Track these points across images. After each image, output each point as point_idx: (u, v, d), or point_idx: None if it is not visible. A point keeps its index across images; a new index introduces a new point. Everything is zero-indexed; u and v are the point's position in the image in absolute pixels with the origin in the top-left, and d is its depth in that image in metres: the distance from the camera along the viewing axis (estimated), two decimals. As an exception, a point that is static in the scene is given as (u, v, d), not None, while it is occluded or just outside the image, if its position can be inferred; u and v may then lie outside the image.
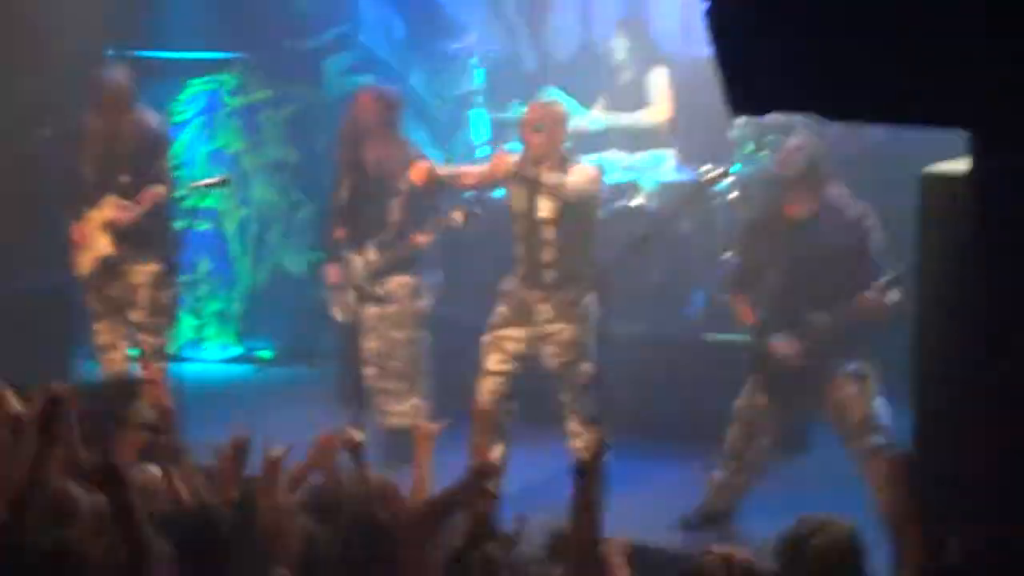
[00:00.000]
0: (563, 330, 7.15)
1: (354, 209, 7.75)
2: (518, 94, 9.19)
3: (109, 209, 7.56)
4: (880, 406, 6.73)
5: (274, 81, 10.01)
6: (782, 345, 6.78)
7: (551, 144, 7.07)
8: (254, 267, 10.10)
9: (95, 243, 7.62)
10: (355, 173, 7.73)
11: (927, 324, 4.27)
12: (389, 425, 7.61)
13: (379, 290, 7.60)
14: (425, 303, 7.78)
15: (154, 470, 5.11)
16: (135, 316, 7.69)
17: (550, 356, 7.18)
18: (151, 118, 7.77)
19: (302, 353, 9.39)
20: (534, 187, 7.05)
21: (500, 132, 9.45)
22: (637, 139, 9.24)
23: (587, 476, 4.49)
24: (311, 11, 9.99)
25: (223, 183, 8.02)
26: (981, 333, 3.68)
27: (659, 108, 9.10)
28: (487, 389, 7.22)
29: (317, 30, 10.04)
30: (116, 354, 7.73)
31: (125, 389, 6.03)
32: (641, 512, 7.24)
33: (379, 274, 7.60)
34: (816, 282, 6.73)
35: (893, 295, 6.55)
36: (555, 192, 6.98)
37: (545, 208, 7.06)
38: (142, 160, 7.62)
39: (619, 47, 9.29)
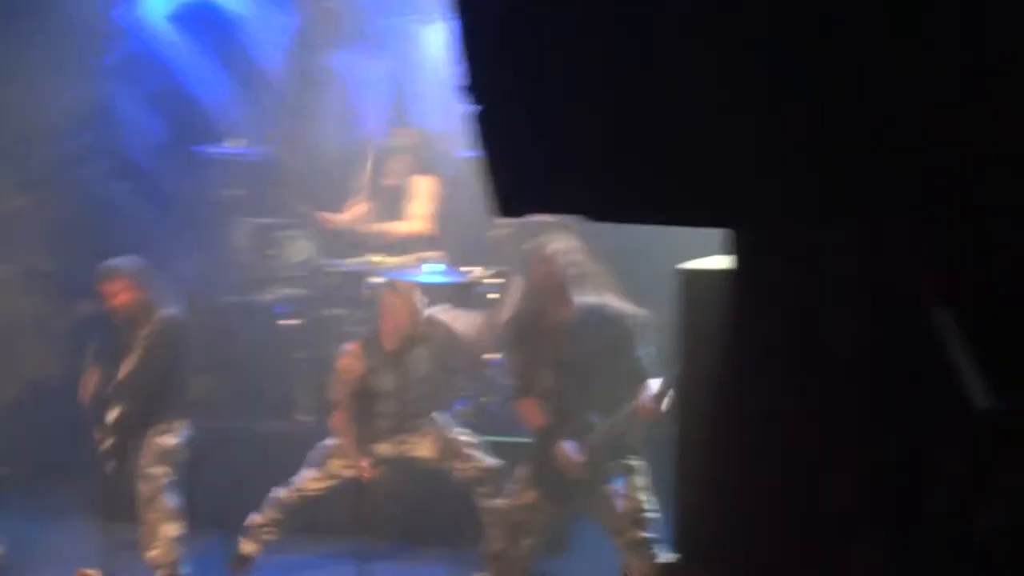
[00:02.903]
0: None
1: None
2: (283, 199, 9.17)
3: None
4: (648, 500, 6.83)
5: (29, 187, 9.74)
6: (569, 452, 6.79)
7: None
8: (3, 380, 9.72)
9: None
10: None
11: (686, 416, 4.36)
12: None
13: None
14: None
15: None
16: None
17: None
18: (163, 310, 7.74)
19: (55, 469, 9.04)
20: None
21: (262, 236, 9.41)
22: (402, 243, 9.33)
23: None
24: (65, 116, 9.79)
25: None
26: (739, 425, 3.79)
27: (416, 221, 9.24)
28: None
29: (71, 136, 9.84)
30: None
31: None
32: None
33: None
34: (586, 384, 6.81)
35: (669, 400, 6.62)
36: None
37: None
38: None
39: (393, 153, 9.38)
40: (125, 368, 7.52)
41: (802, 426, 3.83)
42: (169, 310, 7.63)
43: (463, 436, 7.70)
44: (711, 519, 4.22)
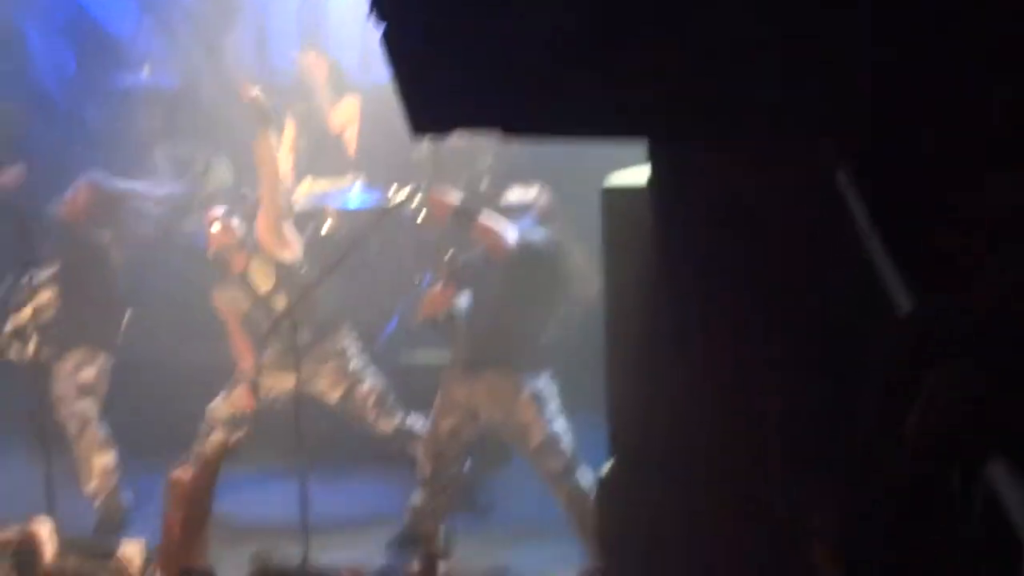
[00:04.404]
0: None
1: None
2: (199, 127, 9.09)
3: None
4: (560, 427, 6.85)
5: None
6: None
7: None
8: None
9: None
10: None
11: (614, 332, 4.38)
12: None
13: None
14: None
15: None
16: None
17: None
18: None
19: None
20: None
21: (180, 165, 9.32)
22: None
23: None
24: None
25: None
26: (665, 335, 3.80)
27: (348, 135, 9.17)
28: None
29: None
30: None
31: None
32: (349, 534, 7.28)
33: None
34: (518, 317, 6.91)
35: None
36: None
37: None
38: None
39: (303, 77, 9.28)
40: (47, 291, 7.44)
41: (725, 334, 3.86)
42: (104, 233, 7.56)
43: (369, 376, 7.65)
44: (645, 426, 4.25)
